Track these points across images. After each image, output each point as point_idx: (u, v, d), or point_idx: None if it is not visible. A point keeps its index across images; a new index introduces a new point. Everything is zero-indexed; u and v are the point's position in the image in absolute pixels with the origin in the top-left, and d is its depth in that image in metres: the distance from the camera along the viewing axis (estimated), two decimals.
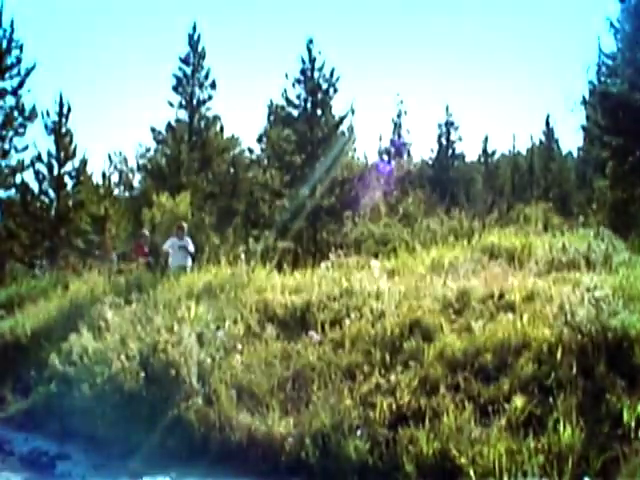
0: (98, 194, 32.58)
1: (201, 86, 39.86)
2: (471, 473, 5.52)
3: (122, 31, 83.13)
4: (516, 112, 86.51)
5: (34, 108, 29.37)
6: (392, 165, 35.70)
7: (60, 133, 29.96)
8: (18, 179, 29.26)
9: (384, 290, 9.20)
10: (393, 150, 41.89)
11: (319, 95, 31.97)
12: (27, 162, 29.31)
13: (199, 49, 39.48)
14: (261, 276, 11.29)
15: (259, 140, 46.09)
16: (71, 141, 30.32)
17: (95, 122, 76.52)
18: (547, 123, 51.47)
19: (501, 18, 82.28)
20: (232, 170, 42.36)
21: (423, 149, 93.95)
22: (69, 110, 30.33)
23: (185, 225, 17.23)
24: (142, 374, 7.66)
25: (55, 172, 29.89)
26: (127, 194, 48.18)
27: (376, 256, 13.45)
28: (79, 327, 9.79)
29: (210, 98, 40.25)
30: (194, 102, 39.95)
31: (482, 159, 58.33)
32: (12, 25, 28.18)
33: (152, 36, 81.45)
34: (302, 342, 8.13)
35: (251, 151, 47.12)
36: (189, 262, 15.21)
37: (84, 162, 31.02)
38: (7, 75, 28.31)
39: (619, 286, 7.71)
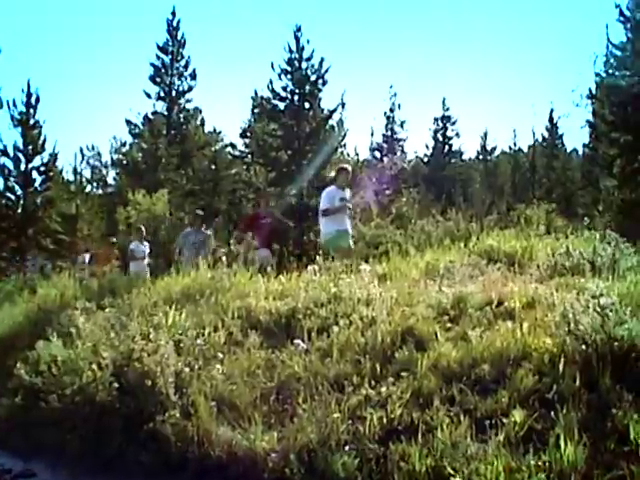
0: (69, 191, 32.61)
1: (180, 76, 39.95)
2: None
3: (95, 15, 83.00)
4: (517, 106, 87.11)
5: None
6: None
7: (28, 125, 29.94)
8: None
9: (375, 296, 9.19)
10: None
11: (307, 87, 32.03)
12: None
13: (178, 36, 39.60)
14: (243, 280, 11.29)
15: (242, 135, 46.26)
16: (40, 134, 30.31)
17: (66, 114, 76.46)
18: (550, 118, 51.74)
19: (502, 5, 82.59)
20: (213, 166, 42.43)
21: (418, 145, 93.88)
22: (37, 100, 30.36)
23: None
24: (115, 385, 7.63)
25: (22, 167, 29.89)
26: (100, 191, 48.26)
27: (367, 259, 13.45)
28: (47, 334, 9.75)
29: (190, 89, 40.40)
30: (173, 93, 40.04)
31: (481, 156, 58.66)
32: None
33: (128, 21, 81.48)
34: (287, 351, 8.10)
35: (234, 146, 47.27)
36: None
37: (54, 156, 31.03)
38: None
39: (627, 293, 7.72)
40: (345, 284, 9.69)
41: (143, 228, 20.36)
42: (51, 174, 30.89)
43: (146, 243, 20.30)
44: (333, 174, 14.52)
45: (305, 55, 32.10)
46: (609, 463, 5.43)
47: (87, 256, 23.87)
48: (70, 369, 8.39)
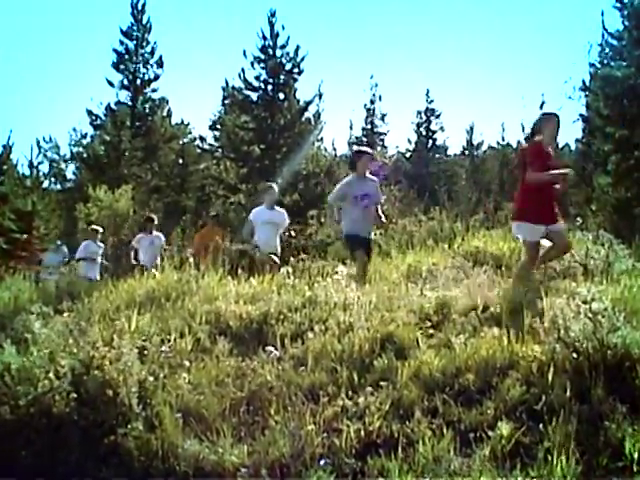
0: (24, 186, 32.38)
1: (146, 63, 39.82)
2: None
3: None
4: (506, 99, 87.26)
5: None
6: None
7: None
8: None
9: (352, 300, 9.20)
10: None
11: (282, 76, 32.07)
12: None
13: (144, 20, 39.46)
14: (212, 283, 11.26)
15: (212, 127, 46.24)
16: None
17: (22, 102, 75.94)
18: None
19: None
20: (181, 161, 42.38)
21: (399, 139, 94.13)
22: None
23: None
24: (74, 395, 7.55)
25: None
26: (59, 187, 47.91)
27: (344, 261, 13.47)
28: (0, 340, 9.69)
29: (156, 78, 40.29)
30: (138, 82, 39.92)
31: (467, 151, 58.78)
32: None
33: (90, 3, 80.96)
34: (259, 359, 8.08)
35: (203, 140, 47.30)
36: None
37: (8, 149, 30.87)
38: None
39: (620, 298, 7.78)
40: (321, 287, 9.70)
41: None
42: (5, 168, 30.78)
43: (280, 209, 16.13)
44: None
45: (280, 42, 32.11)
46: (602, 479, 5.46)
47: (150, 237, 19.70)
48: (24, 378, 8.30)
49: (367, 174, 12.81)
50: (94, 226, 21.64)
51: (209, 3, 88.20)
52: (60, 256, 21.65)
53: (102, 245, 20.76)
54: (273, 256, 14.12)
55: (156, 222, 20.15)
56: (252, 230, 14.54)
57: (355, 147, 14.20)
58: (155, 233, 19.92)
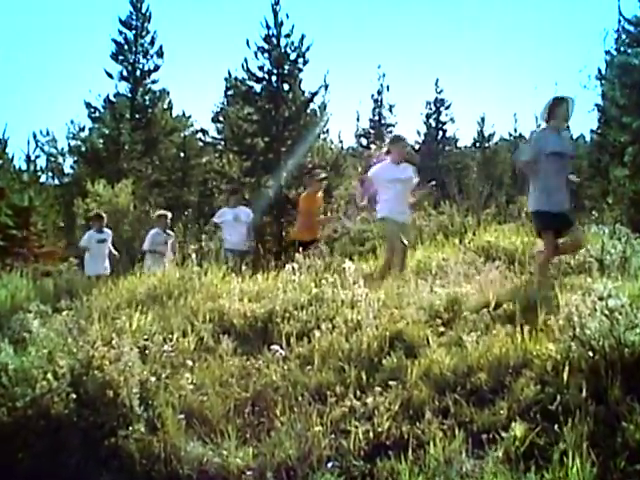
0: (21, 181, 32.30)
1: (146, 54, 39.71)
2: None
3: None
4: (518, 88, 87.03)
5: None
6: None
7: None
8: None
9: (360, 297, 9.20)
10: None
11: (286, 66, 31.88)
12: None
13: (143, 9, 39.36)
14: (215, 280, 11.26)
15: (214, 120, 46.17)
16: None
17: (18, 95, 75.93)
18: None
19: None
20: (182, 154, 42.28)
21: (408, 131, 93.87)
22: None
23: None
24: (73, 396, 7.55)
25: None
26: (56, 181, 47.83)
27: (351, 257, 13.47)
28: None
29: (157, 68, 40.18)
30: (137, 73, 39.82)
31: (478, 143, 58.57)
32: None
33: None
34: (264, 358, 8.09)
35: (205, 132, 47.21)
36: None
37: (4, 142, 30.82)
38: None
39: (638, 294, 7.77)
40: (328, 284, 9.69)
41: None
42: (0, 162, 30.73)
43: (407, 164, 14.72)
44: None
45: (284, 31, 31.93)
46: None
47: (234, 211, 18.23)
48: (22, 379, 8.31)
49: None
50: (162, 211, 19.25)
51: None
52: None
53: (171, 234, 18.55)
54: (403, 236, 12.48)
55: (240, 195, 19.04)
56: (368, 191, 12.55)
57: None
58: (240, 207, 18.26)
